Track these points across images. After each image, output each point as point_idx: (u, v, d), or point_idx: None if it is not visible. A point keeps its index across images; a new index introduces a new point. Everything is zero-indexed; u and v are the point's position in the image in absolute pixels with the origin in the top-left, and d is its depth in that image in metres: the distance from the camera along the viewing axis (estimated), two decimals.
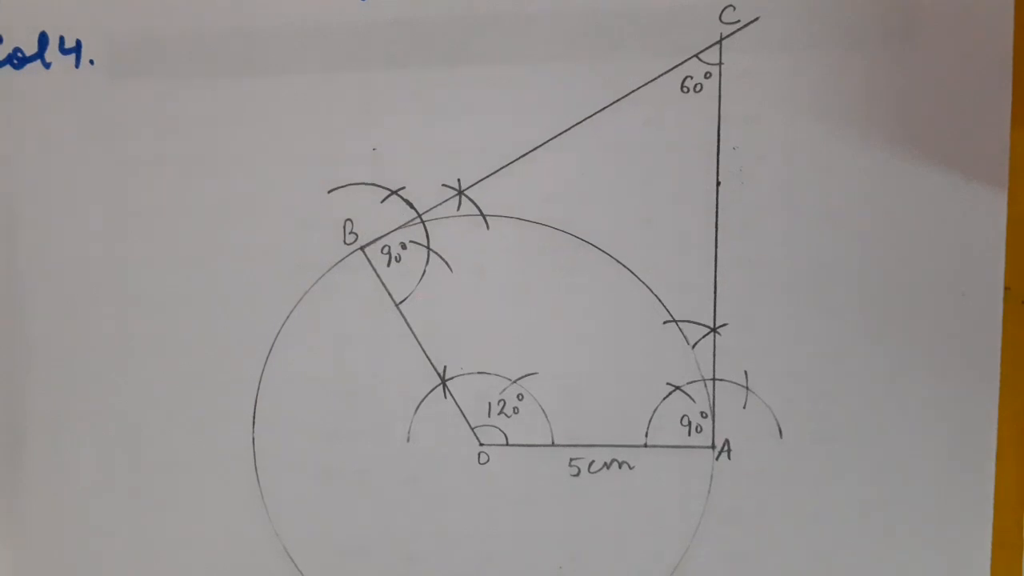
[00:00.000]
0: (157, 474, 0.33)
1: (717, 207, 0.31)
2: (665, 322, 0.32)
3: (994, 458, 0.31)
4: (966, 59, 0.30)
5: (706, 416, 0.32)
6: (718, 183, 0.31)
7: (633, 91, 0.31)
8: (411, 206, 0.32)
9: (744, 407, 0.31)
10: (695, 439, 0.32)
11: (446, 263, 0.32)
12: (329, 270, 0.32)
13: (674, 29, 0.31)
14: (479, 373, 0.32)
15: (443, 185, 0.32)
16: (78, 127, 0.33)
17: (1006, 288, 0.30)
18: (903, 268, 0.31)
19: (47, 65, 0.33)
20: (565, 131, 0.31)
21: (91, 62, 0.32)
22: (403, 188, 0.32)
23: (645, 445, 0.32)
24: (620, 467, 0.32)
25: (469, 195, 0.32)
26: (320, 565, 0.33)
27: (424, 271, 0.32)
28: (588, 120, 0.31)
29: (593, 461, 0.32)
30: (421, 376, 0.32)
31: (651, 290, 0.31)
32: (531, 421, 0.32)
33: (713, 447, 0.32)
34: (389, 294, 0.32)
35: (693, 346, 0.32)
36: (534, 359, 0.32)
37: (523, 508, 0.32)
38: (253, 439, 0.33)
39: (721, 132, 0.31)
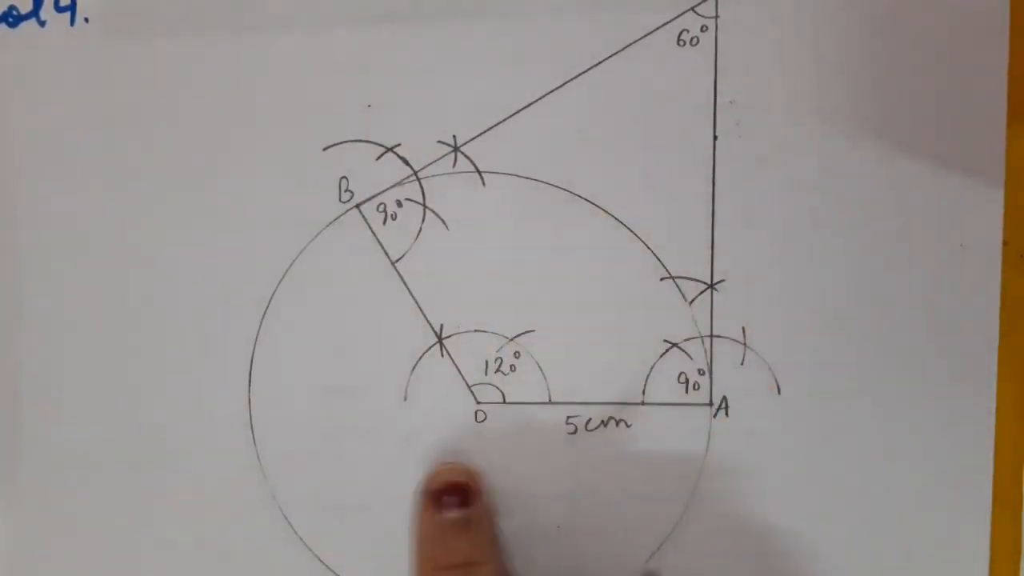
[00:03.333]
0: (152, 435, 0.33)
1: (714, 162, 0.31)
2: (662, 279, 0.31)
3: (994, 410, 0.30)
4: None
5: (704, 373, 0.31)
6: (715, 137, 0.31)
7: (629, 45, 0.31)
8: (407, 163, 0.32)
9: (742, 363, 0.31)
10: (693, 396, 0.32)
11: (442, 221, 0.32)
12: (324, 228, 0.32)
13: None
14: (476, 331, 0.32)
15: (439, 142, 0.32)
16: (73, 85, 0.33)
17: (1004, 242, 0.30)
18: (901, 222, 0.30)
19: (42, 23, 0.32)
20: (561, 86, 0.31)
21: (86, 20, 0.32)
22: (398, 145, 0.32)
23: (642, 403, 0.32)
24: (617, 425, 0.32)
25: (465, 152, 0.32)
26: (316, 525, 0.33)
27: (420, 229, 0.32)
28: (584, 75, 0.31)
29: (590, 419, 0.32)
30: (418, 334, 0.32)
31: (648, 246, 0.31)
32: (528, 379, 0.32)
33: (711, 404, 0.31)
34: (385, 252, 0.32)
35: (690, 303, 0.31)
36: (531, 317, 0.32)
37: (520, 467, 0.32)
38: (249, 399, 0.33)
39: (718, 86, 0.31)
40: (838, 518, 0.31)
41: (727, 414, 0.31)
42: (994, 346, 0.31)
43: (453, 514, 0.29)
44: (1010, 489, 0.31)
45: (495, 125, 0.31)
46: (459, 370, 0.32)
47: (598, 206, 0.31)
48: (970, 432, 0.31)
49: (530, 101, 0.31)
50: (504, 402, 0.32)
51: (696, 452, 0.32)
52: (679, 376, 0.32)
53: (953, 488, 0.31)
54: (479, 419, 0.32)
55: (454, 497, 0.29)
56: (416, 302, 0.32)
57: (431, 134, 0.32)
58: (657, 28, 0.31)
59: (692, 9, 0.30)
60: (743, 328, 0.31)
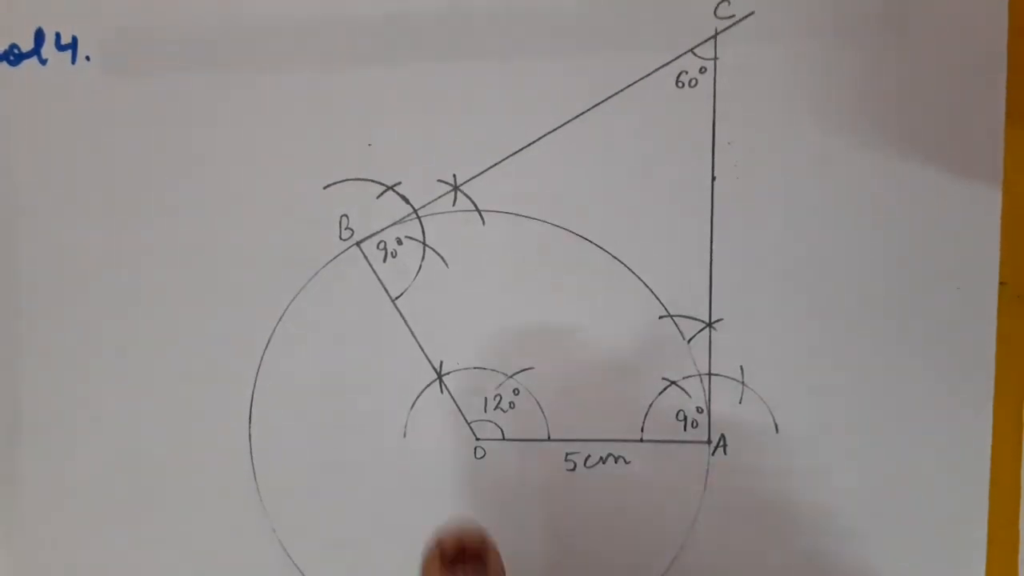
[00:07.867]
0: (155, 471, 0.33)
1: (712, 202, 0.31)
2: (661, 317, 0.32)
3: (989, 449, 0.31)
4: (961, 55, 0.30)
5: (702, 411, 0.32)
6: (713, 178, 0.31)
7: (628, 86, 0.31)
8: (407, 202, 0.32)
9: (740, 402, 0.31)
10: (691, 434, 0.32)
11: (442, 258, 0.32)
12: (325, 266, 0.32)
13: (669, 24, 0.31)
14: (475, 368, 0.32)
15: (439, 181, 0.32)
16: (74, 123, 0.33)
17: (1001, 283, 0.30)
18: (898, 262, 0.31)
19: (43, 61, 0.33)
20: (561, 126, 0.31)
21: (87, 58, 0.33)
22: (399, 184, 0.32)
23: (641, 440, 0.32)
24: (616, 462, 0.32)
25: (464, 191, 0.32)
26: (317, 560, 0.33)
27: (420, 266, 0.32)
28: (583, 116, 0.31)
29: (589, 456, 0.32)
30: (418, 371, 0.32)
31: (647, 285, 0.31)
32: (527, 416, 0.32)
33: (709, 442, 0.32)
34: (385, 289, 0.32)
35: (689, 341, 0.32)
36: (530, 354, 0.32)
37: (519, 503, 0.32)
38: (250, 435, 0.33)
39: (716, 127, 0.31)
40: (836, 556, 0.31)
41: (725, 452, 0.32)
42: (991, 382, 0.31)
43: None
44: (1007, 521, 0.31)
45: (495, 164, 0.32)
46: (458, 406, 0.32)
47: (597, 245, 0.32)
48: (967, 469, 0.31)
49: (530, 141, 0.31)
50: (503, 439, 0.32)
51: (695, 489, 0.32)
52: (677, 414, 0.32)
53: (948, 527, 0.31)
54: (478, 455, 0.32)
55: (470, 565, 0.28)
56: (416, 339, 0.32)
57: (431, 173, 0.32)
58: (656, 69, 0.31)
59: (691, 51, 0.31)
60: (741, 367, 0.31)
